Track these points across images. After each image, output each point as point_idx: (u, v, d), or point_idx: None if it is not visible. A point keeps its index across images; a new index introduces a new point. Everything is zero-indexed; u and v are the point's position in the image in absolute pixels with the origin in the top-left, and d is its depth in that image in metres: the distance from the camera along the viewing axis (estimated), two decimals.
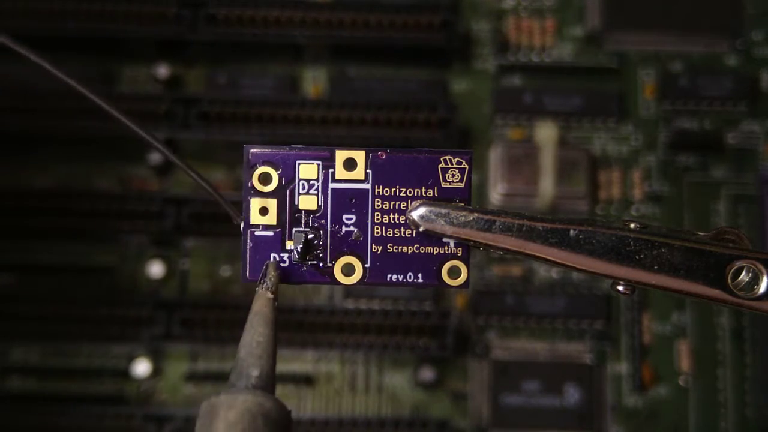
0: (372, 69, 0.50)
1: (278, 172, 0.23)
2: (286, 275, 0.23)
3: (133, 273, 0.48)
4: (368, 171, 0.23)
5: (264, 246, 0.23)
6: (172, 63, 0.50)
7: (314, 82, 0.51)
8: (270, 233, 0.23)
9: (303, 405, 0.47)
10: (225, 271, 0.49)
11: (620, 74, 0.50)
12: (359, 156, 0.23)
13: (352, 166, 0.23)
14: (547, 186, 0.47)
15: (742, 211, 0.49)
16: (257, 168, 0.23)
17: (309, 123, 0.46)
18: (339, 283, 0.23)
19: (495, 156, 0.49)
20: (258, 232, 0.23)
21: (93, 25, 0.47)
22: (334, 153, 0.23)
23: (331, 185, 0.23)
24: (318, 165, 0.23)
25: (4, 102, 0.46)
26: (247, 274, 0.23)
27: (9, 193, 0.46)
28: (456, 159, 0.23)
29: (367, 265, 0.23)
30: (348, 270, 0.23)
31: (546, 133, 0.48)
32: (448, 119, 0.46)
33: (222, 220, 0.45)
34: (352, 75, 0.50)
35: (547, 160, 0.48)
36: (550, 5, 0.51)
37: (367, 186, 0.23)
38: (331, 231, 0.23)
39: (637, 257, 0.23)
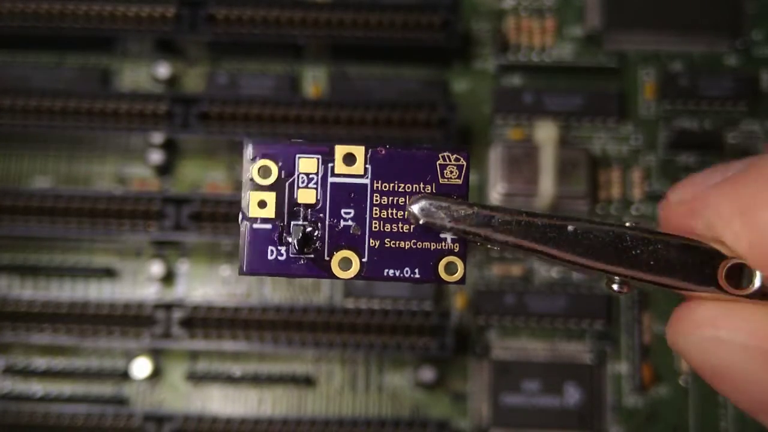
0: (372, 69, 0.50)
1: (278, 165, 0.23)
2: (283, 268, 0.23)
3: (133, 272, 0.49)
4: (367, 166, 0.23)
5: (262, 239, 0.23)
6: (172, 63, 0.50)
7: (314, 82, 0.51)
8: (268, 226, 0.23)
9: (303, 405, 0.47)
10: (224, 270, 0.49)
11: (620, 74, 0.50)
12: (359, 151, 0.23)
13: (351, 161, 0.23)
14: (547, 186, 0.47)
15: None
16: (257, 161, 0.23)
17: (309, 123, 0.46)
18: (336, 278, 0.23)
19: (495, 156, 0.49)
20: (256, 225, 0.23)
21: (93, 25, 0.47)
22: (334, 148, 0.23)
23: (330, 179, 0.23)
24: (317, 159, 0.23)
25: (3, 102, 0.46)
26: (245, 267, 0.23)
27: (8, 193, 0.46)
28: (454, 156, 0.23)
29: (364, 260, 0.23)
30: (345, 264, 0.23)
31: (546, 133, 0.48)
32: (448, 119, 0.46)
33: (222, 219, 0.45)
34: (352, 75, 0.50)
35: (547, 160, 0.48)
36: (550, 5, 0.51)
37: (366, 181, 0.23)
38: (329, 224, 0.23)
39: (633, 252, 0.23)
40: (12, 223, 0.45)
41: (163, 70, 0.50)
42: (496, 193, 0.48)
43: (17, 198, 0.46)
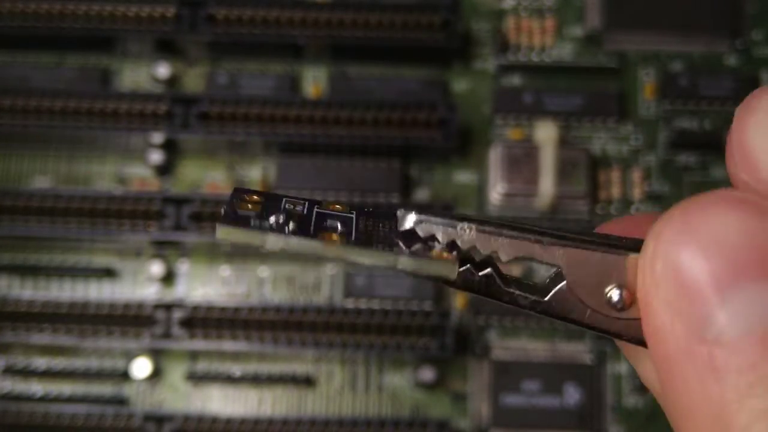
0: (372, 69, 0.50)
1: (263, 199, 0.23)
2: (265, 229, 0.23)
3: (133, 272, 0.49)
4: (353, 211, 0.24)
5: (246, 213, 0.23)
6: (172, 63, 0.50)
7: (314, 82, 0.51)
8: (252, 213, 0.23)
9: (303, 405, 0.47)
10: (224, 270, 0.49)
11: (620, 74, 0.51)
12: (344, 204, 0.24)
13: (337, 206, 0.24)
14: (547, 186, 0.47)
15: None
16: (244, 196, 0.23)
17: (309, 123, 0.46)
18: (323, 242, 0.22)
19: (495, 156, 0.49)
20: (240, 211, 0.23)
21: (93, 25, 0.47)
22: (322, 201, 0.24)
23: (317, 209, 0.23)
24: (304, 203, 0.24)
25: (3, 102, 0.47)
26: (223, 220, 0.22)
27: (8, 193, 0.46)
28: None
29: (351, 239, 0.23)
30: (332, 241, 0.23)
31: (546, 133, 0.48)
32: (448, 119, 0.46)
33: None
34: (352, 75, 0.50)
35: (547, 160, 0.48)
36: (550, 5, 0.51)
37: (352, 215, 0.24)
38: (315, 221, 0.23)
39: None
40: (12, 223, 0.45)
41: (163, 70, 0.50)
42: (496, 193, 0.48)
43: (17, 198, 0.46)
